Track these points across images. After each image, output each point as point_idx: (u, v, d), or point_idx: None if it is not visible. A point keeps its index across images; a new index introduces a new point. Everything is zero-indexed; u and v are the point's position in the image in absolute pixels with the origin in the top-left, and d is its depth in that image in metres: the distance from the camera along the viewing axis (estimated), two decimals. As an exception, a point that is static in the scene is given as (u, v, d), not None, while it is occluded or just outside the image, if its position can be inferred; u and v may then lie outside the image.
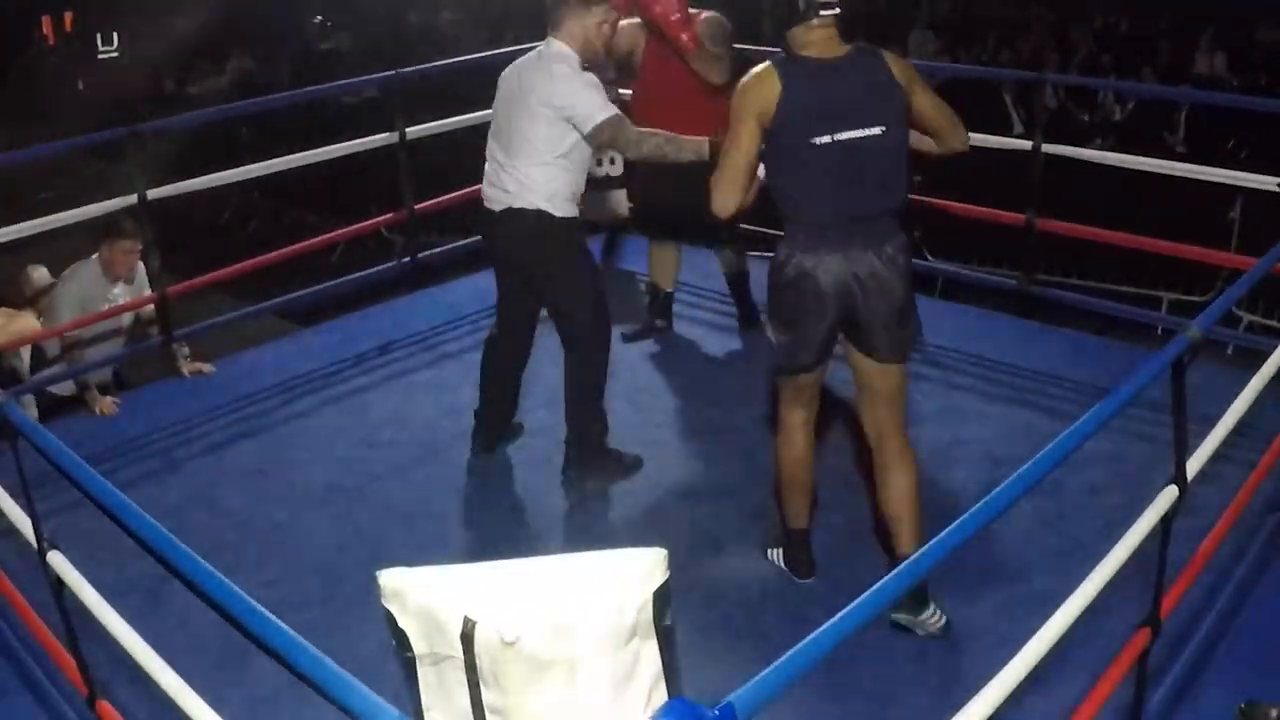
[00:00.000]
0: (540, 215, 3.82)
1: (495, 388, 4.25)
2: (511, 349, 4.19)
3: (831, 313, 3.17)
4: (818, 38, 3.08)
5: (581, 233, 3.99)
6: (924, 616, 3.24)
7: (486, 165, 3.96)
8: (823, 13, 3.05)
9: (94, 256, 5.04)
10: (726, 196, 3.16)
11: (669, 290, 5.28)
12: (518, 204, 3.83)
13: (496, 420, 4.30)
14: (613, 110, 3.75)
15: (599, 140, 3.77)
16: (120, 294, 5.09)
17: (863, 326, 3.19)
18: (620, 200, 6.08)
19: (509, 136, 3.83)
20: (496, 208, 3.89)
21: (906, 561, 1.84)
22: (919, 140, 3.29)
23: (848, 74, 3.07)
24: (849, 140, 3.04)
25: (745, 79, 3.15)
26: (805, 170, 3.09)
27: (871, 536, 3.77)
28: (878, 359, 3.25)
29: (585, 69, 3.81)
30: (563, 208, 3.84)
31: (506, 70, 3.96)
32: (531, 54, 3.91)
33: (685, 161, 3.73)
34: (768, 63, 3.13)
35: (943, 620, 3.26)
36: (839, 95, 3.05)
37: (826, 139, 3.04)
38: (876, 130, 3.05)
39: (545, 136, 3.76)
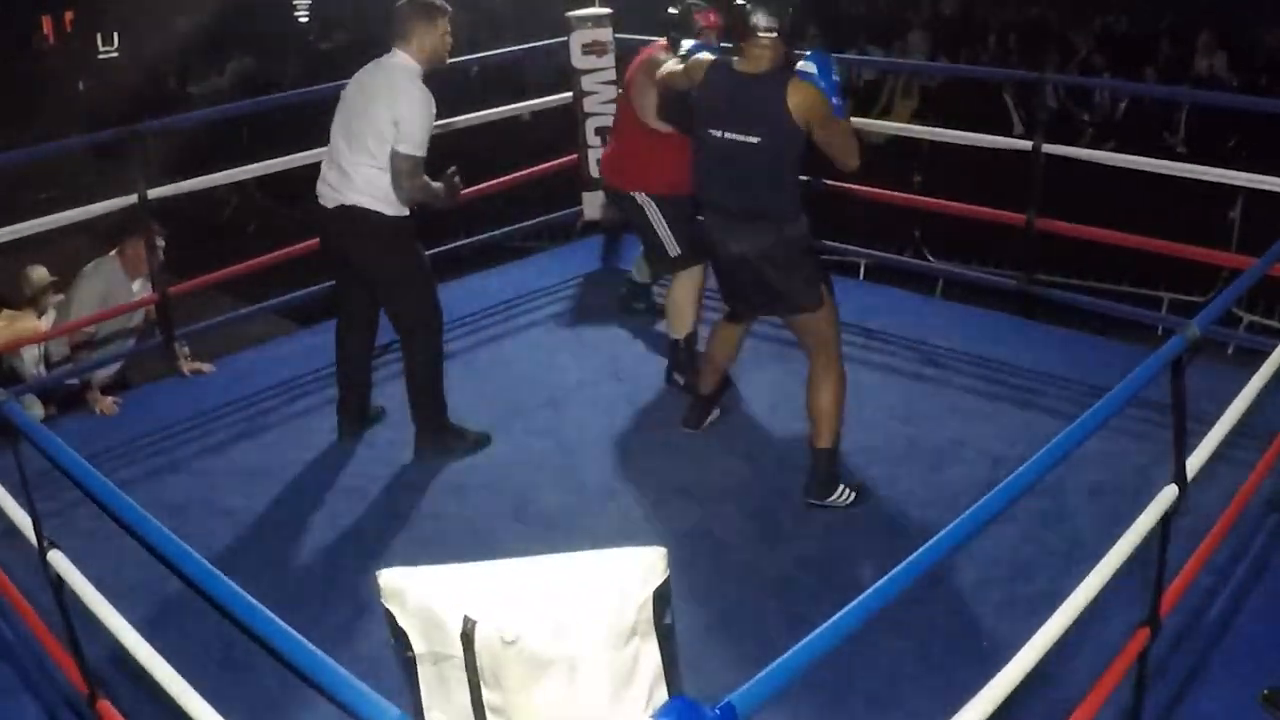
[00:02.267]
0: (371, 214, 4.00)
1: (350, 375, 4.44)
2: (359, 337, 4.38)
3: (723, 266, 3.88)
4: (752, 54, 3.62)
5: (411, 232, 4.13)
6: (834, 498, 3.89)
7: (323, 164, 4.15)
8: (761, 34, 3.58)
9: (112, 254, 5.02)
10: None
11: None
12: (349, 201, 4.02)
13: (356, 406, 4.49)
14: (422, 152, 3.95)
15: (394, 163, 3.93)
16: (140, 291, 5.07)
17: (746, 298, 3.92)
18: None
19: (349, 138, 4.00)
20: (329, 205, 4.08)
21: (905, 562, 1.83)
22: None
23: (752, 89, 3.62)
24: (731, 140, 3.65)
25: (693, 57, 3.88)
26: (701, 154, 3.79)
27: (870, 538, 3.78)
28: (778, 316, 3.94)
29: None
30: (395, 207, 4.01)
31: (350, 81, 4.14)
32: (373, 63, 4.08)
33: (436, 201, 4.07)
34: (707, 56, 3.81)
35: (852, 495, 3.91)
36: (737, 102, 3.64)
37: (719, 134, 3.68)
38: (753, 139, 3.61)
39: (381, 140, 3.93)
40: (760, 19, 3.56)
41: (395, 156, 3.91)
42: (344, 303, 4.36)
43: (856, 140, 3.70)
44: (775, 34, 3.57)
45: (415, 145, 3.92)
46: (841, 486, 3.90)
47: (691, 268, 4.63)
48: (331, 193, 4.06)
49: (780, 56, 3.62)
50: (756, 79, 3.62)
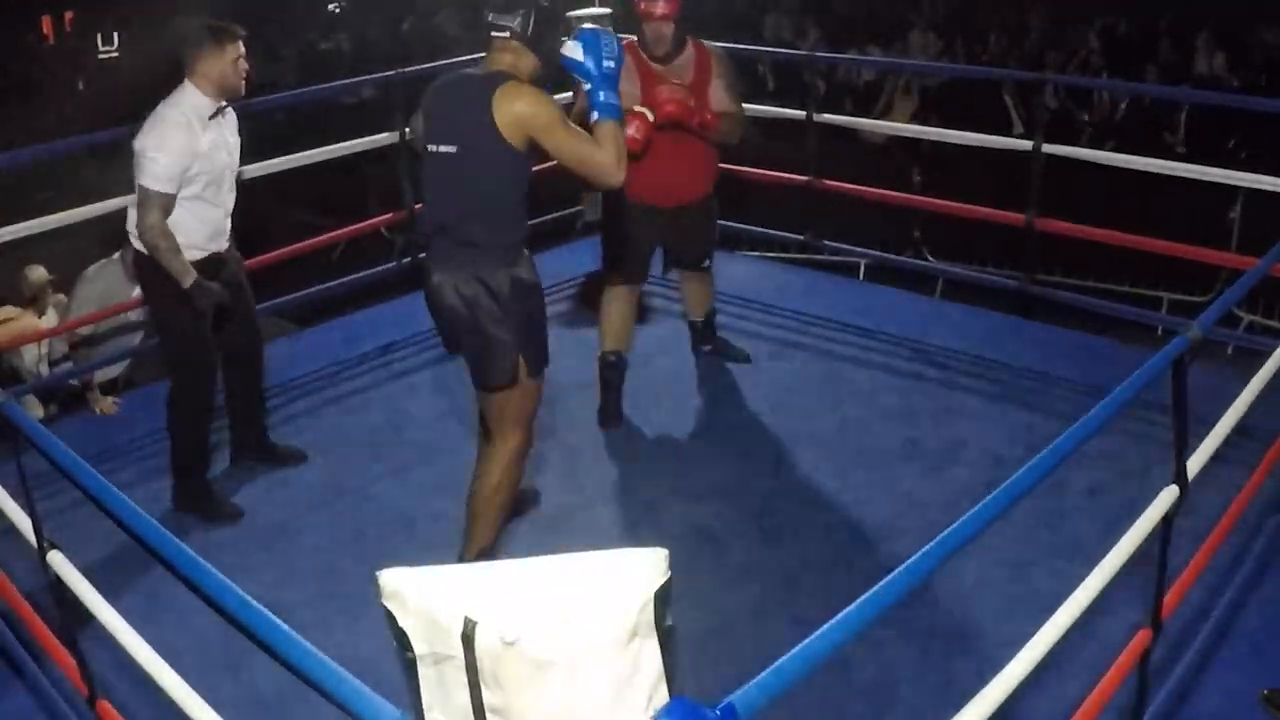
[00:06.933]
0: (141, 256, 3.84)
1: (237, 410, 4.36)
2: (236, 371, 4.22)
3: (441, 313, 3.33)
4: (490, 55, 3.20)
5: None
6: None
7: None
8: (493, 33, 3.16)
9: (115, 256, 5.01)
10: None
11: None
12: (132, 240, 3.89)
13: (251, 439, 4.38)
14: (161, 188, 3.66)
15: (138, 196, 3.71)
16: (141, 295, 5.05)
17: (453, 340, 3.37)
18: (620, 200, 6.06)
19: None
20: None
21: (906, 563, 1.82)
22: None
23: (460, 92, 3.18)
24: (438, 153, 3.21)
25: None
26: (421, 173, 3.31)
27: (870, 538, 3.78)
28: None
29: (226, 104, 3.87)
30: None
31: None
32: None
33: (172, 271, 3.73)
34: None
35: None
36: (445, 109, 3.22)
37: (433, 148, 3.23)
38: (451, 149, 3.17)
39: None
40: (490, 10, 3.15)
41: (138, 189, 3.69)
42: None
43: (614, 148, 3.08)
44: (507, 35, 3.13)
45: (153, 178, 3.64)
46: None
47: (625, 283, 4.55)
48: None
49: (522, 64, 3.18)
50: (471, 83, 3.17)
